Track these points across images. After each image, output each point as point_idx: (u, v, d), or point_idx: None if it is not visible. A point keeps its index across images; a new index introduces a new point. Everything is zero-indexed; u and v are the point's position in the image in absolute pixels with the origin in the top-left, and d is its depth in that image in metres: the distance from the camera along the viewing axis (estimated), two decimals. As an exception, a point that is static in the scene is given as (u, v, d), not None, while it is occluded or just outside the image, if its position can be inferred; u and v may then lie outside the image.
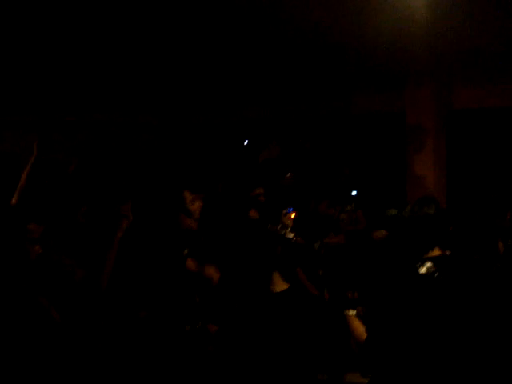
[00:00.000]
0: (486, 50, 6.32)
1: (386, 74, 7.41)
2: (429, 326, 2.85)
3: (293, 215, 4.34)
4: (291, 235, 3.83)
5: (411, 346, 2.88)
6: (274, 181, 5.14)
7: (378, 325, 2.99)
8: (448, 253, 3.05)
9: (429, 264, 2.93)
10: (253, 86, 8.16)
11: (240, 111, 8.69)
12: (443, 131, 7.63)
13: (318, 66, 7.15)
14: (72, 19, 5.22)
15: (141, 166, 7.83)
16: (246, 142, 7.47)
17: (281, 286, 3.34)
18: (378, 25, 5.27)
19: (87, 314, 3.31)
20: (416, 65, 7.00)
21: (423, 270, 2.91)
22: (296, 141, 6.91)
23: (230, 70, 7.46)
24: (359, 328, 3.08)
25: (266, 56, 6.65)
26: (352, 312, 3.15)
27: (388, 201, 6.86)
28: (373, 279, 3.50)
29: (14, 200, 4.06)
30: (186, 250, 3.71)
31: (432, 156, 7.45)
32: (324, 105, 8.15)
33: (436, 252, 2.98)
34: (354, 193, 7.02)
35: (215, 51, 6.51)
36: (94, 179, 5.13)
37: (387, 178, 7.92)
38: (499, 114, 7.46)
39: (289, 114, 8.37)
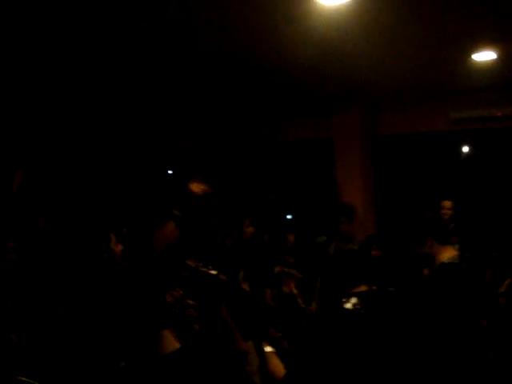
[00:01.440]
0: (405, 81, 6.58)
1: (312, 102, 7.58)
2: (352, 362, 2.88)
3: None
4: (214, 272, 3.76)
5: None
6: (201, 216, 5.10)
7: (299, 361, 2.99)
8: (374, 288, 3.09)
9: (354, 300, 2.96)
10: (181, 117, 8.18)
11: (169, 142, 8.69)
12: (369, 156, 7.86)
13: (243, 94, 7.25)
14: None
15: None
16: (170, 172, 7.43)
17: (172, 345, 3.15)
18: (301, 53, 5.41)
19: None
20: (340, 94, 7.19)
21: (348, 306, 2.93)
22: (225, 173, 6.94)
23: (157, 101, 7.45)
24: (278, 365, 3.08)
25: (191, 86, 6.68)
26: (270, 349, 3.15)
27: (319, 227, 7.00)
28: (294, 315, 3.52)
29: None
30: None
31: (360, 180, 7.64)
32: (252, 133, 8.23)
33: (362, 288, 3.03)
34: (288, 216, 7.10)
35: (140, 83, 6.50)
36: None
37: (318, 204, 8.06)
38: (420, 139, 7.76)
39: (217, 143, 8.41)
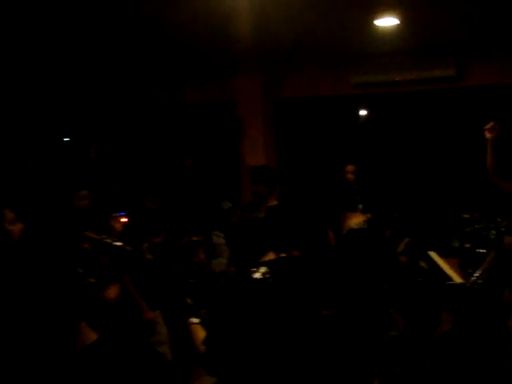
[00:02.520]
0: (307, 43, 6.55)
1: (213, 65, 7.43)
2: (262, 331, 2.85)
3: (123, 219, 4.12)
4: (119, 243, 3.59)
5: (248, 351, 2.86)
6: (103, 182, 4.88)
7: (215, 330, 2.93)
8: (284, 255, 3.05)
9: (263, 269, 2.91)
10: (77, 83, 7.77)
11: (65, 108, 8.24)
12: (272, 119, 7.84)
13: (141, 55, 6.98)
14: None
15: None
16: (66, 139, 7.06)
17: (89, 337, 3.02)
18: (201, 13, 5.23)
19: None
20: (243, 56, 7.08)
21: (257, 275, 2.88)
22: (126, 138, 6.67)
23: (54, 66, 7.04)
24: (202, 336, 3.00)
25: (87, 48, 6.34)
26: (195, 320, 3.07)
27: (223, 192, 6.93)
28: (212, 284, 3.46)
29: None
30: None
31: (263, 144, 7.62)
32: (152, 97, 7.97)
33: (271, 256, 2.98)
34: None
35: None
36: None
37: (222, 169, 7.97)
38: (322, 102, 7.82)
39: (116, 108, 8.07)
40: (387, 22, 5.59)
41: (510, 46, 6.50)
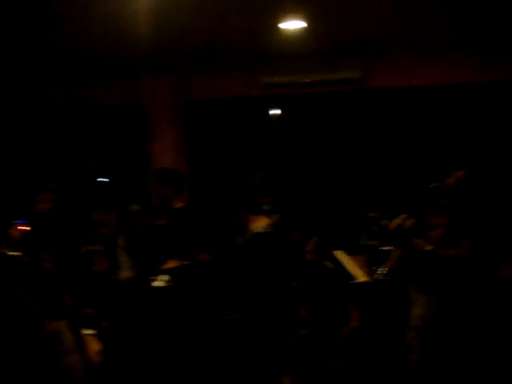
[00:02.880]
0: (213, 46, 6.54)
1: (120, 66, 7.28)
2: (163, 339, 2.81)
3: (22, 227, 3.94)
4: (16, 253, 3.43)
5: (147, 360, 2.81)
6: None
7: (114, 341, 2.86)
8: (186, 262, 3.01)
9: (164, 277, 2.87)
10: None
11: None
12: (182, 120, 7.76)
13: (40, 56, 6.76)
14: None
15: None
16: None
17: None
18: (101, 15, 5.13)
19: None
20: (150, 57, 6.97)
21: (157, 284, 2.84)
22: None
23: None
24: (94, 349, 2.93)
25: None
26: (89, 331, 2.99)
27: (132, 195, 6.80)
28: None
29: None
30: None
31: (172, 145, 7.54)
32: (61, 97, 7.71)
33: (172, 263, 2.94)
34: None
35: None
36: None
37: (131, 171, 7.83)
38: (233, 103, 7.83)
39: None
40: (292, 25, 5.67)
41: (413, 50, 6.75)
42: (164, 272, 2.88)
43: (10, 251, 3.40)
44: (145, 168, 7.50)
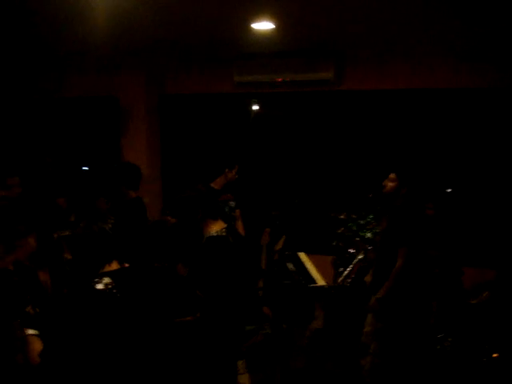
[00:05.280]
0: (193, 41, 6.53)
1: (94, 59, 7.24)
2: (106, 342, 2.80)
3: None
4: None
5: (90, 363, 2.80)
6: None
7: (54, 342, 2.83)
8: (127, 265, 3.01)
9: (106, 279, 2.86)
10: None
11: None
12: (156, 115, 7.74)
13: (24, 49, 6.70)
14: None
15: None
16: None
17: None
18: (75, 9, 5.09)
19: None
20: (123, 51, 6.95)
21: (100, 286, 2.83)
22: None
23: None
24: (38, 348, 2.90)
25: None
26: (32, 331, 2.96)
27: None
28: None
29: None
30: None
31: (145, 140, 7.52)
32: (33, 88, 7.64)
33: (114, 266, 2.93)
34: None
35: None
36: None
37: (102, 165, 7.78)
38: (206, 100, 7.82)
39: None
40: (264, 25, 5.65)
41: (386, 52, 6.76)
42: (106, 275, 2.88)
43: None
44: (116, 162, 7.46)
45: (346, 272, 5.87)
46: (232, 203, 5.80)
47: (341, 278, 5.83)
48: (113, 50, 6.93)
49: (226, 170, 5.15)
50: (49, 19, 5.64)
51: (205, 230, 4.05)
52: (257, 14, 5.30)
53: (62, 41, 6.54)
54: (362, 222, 6.35)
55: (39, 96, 7.77)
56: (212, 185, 4.84)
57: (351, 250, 6.13)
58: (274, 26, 5.68)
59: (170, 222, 4.64)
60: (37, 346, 2.91)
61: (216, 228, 4.07)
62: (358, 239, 6.15)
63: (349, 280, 5.81)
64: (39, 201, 5.12)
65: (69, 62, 7.51)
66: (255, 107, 8.09)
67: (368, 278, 5.31)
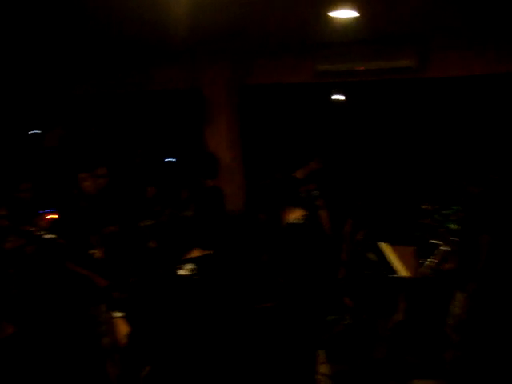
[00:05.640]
0: (268, 33, 6.55)
1: (178, 51, 7.39)
2: (189, 326, 2.90)
3: (49, 216, 4.08)
4: (49, 236, 3.56)
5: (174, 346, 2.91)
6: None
7: (141, 327, 2.97)
8: (210, 252, 3.09)
9: (189, 265, 2.95)
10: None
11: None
12: (237, 106, 7.82)
13: (110, 43, 6.94)
14: None
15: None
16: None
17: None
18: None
19: None
20: (211, 41, 7.05)
21: (182, 272, 2.93)
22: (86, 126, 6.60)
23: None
24: (124, 330, 3.04)
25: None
26: (119, 313, 3.10)
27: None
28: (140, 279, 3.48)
29: None
30: None
31: (227, 131, 7.61)
32: (120, 82, 7.92)
33: (196, 253, 3.02)
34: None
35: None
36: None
37: (187, 155, 7.96)
38: (287, 89, 7.83)
39: (79, 94, 8.02)
40: (345, 13, 5.60)
41: (472, 38, 6.53)
42: (189, 261, 2.97)
43: (44, 234, 3.57)
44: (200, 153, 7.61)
45: (429, 263, 5.76)
46: (315, 192, 5.82)
47: (424, 269, 5.73)
48: (196, 43, 7.06)
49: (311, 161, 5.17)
50: (134, 16, 5.82)
51: (284, 217, 4.10)
52: (341, 2, 5.26)
53: (146, 34, 6.71)
54: (445, 212, 6.21)
55: (128, 90, 8.04)
56: (294, 174, 4.87)
57: (434, 241, 6.01)
58: (358, 14, 5.61)
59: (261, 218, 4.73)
60: (123, 328, 3.05)
61: (295, 216, 4.11)
62: (442, 230, 6.02)
63: (431, 271, 5.70)
64: (126, 191, 5.32)
65: (154, 57, 7.71)
66: (336, 96, 8.04)
67: (447, 266, 5.19)
